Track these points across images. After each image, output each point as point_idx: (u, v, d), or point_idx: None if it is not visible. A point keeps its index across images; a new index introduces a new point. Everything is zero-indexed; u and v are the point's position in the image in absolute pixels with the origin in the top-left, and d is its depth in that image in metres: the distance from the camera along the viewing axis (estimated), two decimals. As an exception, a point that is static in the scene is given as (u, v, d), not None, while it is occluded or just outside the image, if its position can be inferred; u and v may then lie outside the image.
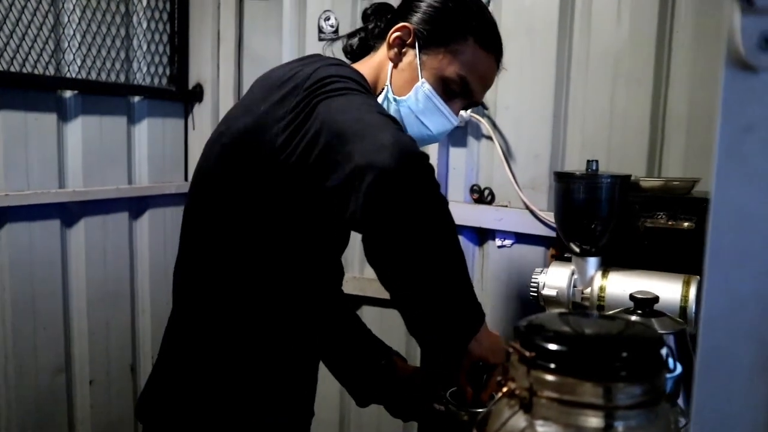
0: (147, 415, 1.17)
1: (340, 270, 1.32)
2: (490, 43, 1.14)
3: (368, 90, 1.06)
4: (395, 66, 1.15)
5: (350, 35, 1.27)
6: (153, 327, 2.32)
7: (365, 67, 1.17)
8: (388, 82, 1.15)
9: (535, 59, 1.81)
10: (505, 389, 0.54)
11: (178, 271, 1.20)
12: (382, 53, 1.17)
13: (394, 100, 1.15)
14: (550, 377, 0.52)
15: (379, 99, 1.15)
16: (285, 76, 1.04)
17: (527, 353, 0.52)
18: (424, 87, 1.12)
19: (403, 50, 1.14)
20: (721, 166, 0.34)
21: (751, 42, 0.32)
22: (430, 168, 0.93)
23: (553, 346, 0.52)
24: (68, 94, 1.98)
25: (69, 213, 2.02)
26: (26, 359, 1.92)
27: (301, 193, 1.02)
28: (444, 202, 0.96)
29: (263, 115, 1.02)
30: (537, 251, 1.83)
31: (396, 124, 0.96)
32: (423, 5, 1.15)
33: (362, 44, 1.24)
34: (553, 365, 0.52)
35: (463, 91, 1.15)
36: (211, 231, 1.11)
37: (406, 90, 1.13)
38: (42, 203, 1.91)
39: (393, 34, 1.14)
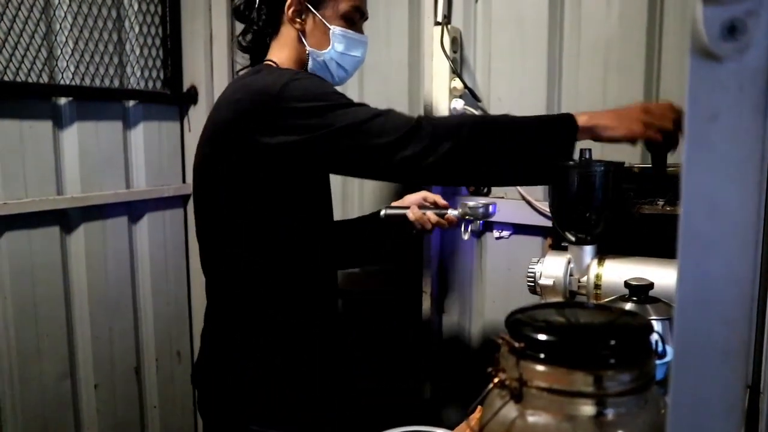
0: (200, 381, 1.45)
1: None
2: None
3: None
4: (305, 34, 1.39)
5: (241, 35, 1.48)
6: (156, 330, 2.33)
7: (282, 54, 1.41)
8: (309, 48, 1.40)
9: (526, 50, 1.81)
10: (495, 380, 0.55)
11: (202, 260, 1.45)
12: (285, 34, 1.41)
13: (321, 56, 1.40)
14: (539, 367, 0.53)
15: (310, 65, 1.42)
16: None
17: (516, 344, 0.53)
18: (335, 31, 1.39)
19: (303, 17, 1.38)
20: (690, 155, 0.35)
21: (713, 31, 0.33)
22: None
23: (541, 337, 0.53)
24: (63, 101, 1.98)
25: (68, 219, 2.03)
26: (30, 366, 1.94)
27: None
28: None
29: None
30: (535, 241, 1.84)
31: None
32: None
33: (256, 37, 1.44)
34: (542, 355, 0.52)
35: (359, 13, 1.44)
36: (215, 211, 1.35)
37: (325, 43, 1.40)
38: (41, 210, 1.92)
39: (289, 11, 1.37)
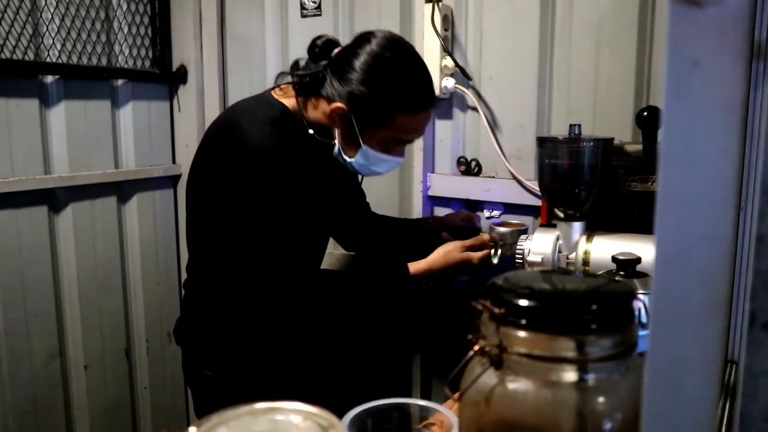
0: (183, 338, 1.53)
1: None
2: (419, 106, 1.31)
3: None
4: (340, 130, 1.33)
5: (301, 72, 1.37)
6: (146, 310, 2.32)
7: (318, 111, 1.34)
8: (337, 143, 1.35)
9: (518, 28, 1.79)
10: (476, 347, 0.54)
11: (188, 233, 1.48)
12: (322, 108, 1.33)
13: (346, 158, 1.36)
14: (520, 333, 0.52)
15: (335, 150, 1.37)
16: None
17: (496, 310, 0.52)
18: (367, 151, 1.32)
19: (342, 121, 1.30)
20: (670, 104, 0.34)
21: (693, -26, 0.32)
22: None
23: (522, 302, 0.52)
24: (50, 79, 1.96)
25: (56, 199, 2.01)
26: (20, 347, 1.93)
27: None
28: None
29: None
30: (525, 221, 1.83)
31: None
32: (354, 80, 1.27)
33: (313, 81, 1.34)
34: (522, 321, 0.52)
35: (402, 142, 1.37)
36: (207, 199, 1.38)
37: (353, 152, 1.34)
38: (28, 190, 1.90)
39: (332, 108, 1.29)
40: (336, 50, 1.32)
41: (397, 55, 1.29)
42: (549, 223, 1.36)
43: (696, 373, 0.34)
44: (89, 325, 2.13)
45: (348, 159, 1.36)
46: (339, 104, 1.28)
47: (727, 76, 0.33)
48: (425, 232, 1.68)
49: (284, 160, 1.28)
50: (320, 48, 1.33)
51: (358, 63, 1.26)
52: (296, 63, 1.40)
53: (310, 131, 1.34)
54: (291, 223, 1.31)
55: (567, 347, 0.51)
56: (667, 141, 0.34)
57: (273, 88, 1.43)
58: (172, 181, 2.43)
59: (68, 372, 2.09)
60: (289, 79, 1.42)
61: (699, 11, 0.32)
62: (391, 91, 1.27)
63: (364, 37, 1.30)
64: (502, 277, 0.58)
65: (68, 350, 2.09)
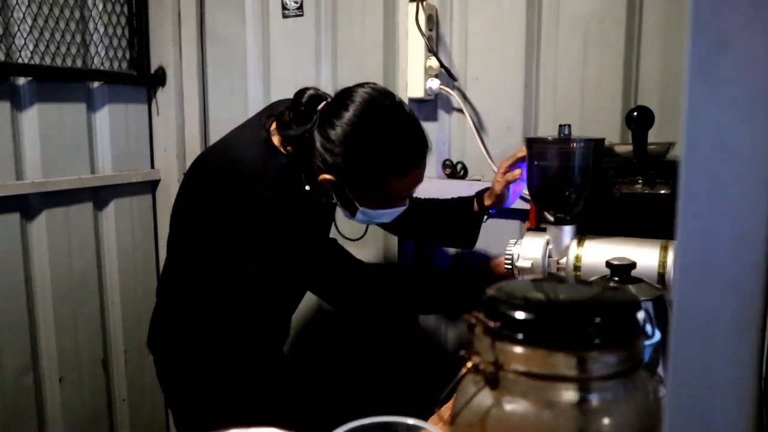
0: (156, 346, 1.50)
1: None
2: (411, 165, 1.24)
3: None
4: (335, 194, 1.28)
5: (288, 134, 1.27)
6: (124, 319, 2.25)
7: (312, 168, 1.25)
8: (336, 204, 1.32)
9: (504, 28, 1.75)
10: (469, 364, 0.50)
11: (169, 244, 1.45)
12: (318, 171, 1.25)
13: (347, 214, 1.32)
14: (517, 349, 0.47)
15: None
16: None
17: (492, 323, 0.48)
18: (365, 211, 1.28)
19: (335, 188, 1.25)
20: (694, 90, 0.29)
21: (723, -63, 0.27)
22: None
23: (519, 315, 0.47)
24: (21, 81, 1.89)
25: (29, 205, 1.94)
26: (-10, 359, 1.85)
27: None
28: None
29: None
30: (513, 225, 1.79)
31: None
32: (338, 153, 1.20)
33: (301, 142, 1.26)
34: (520, 336, 0.47)
35: (401, 198, 1.30)
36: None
37: (352, 212, 1.30)
38: (-1, 196, 1.83)
39: (321, 179, 1.23)
40: (321, 105, 1.26)
41: (377, 122, 1.21)
42: (538, 227, 1.32)
43: (728, 400, 0.30)
44: (64, 336, 2.05)
45: (348, 217, 1.33)
46: (327, 176, 1.23)
47: (760, 57, 0.28)
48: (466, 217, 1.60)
49: (286, 214, 1.24)
50: (305, 106, 1.26)
51: (338, 135, 1.19)
52: (282, 118, 1.30)
53: (307, 187, 1.27)
54: (281, 264, 1.29)
55: (568, 364, 0.46)
56: (690, 132, 0.29)
57: (271, 123, 1.32)
58: (150, 186, 2.36)
59: (42, 385, 2.01)
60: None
61: (727, -18, 0.28)
62: (376, 162, 1.21)
63: (344, 98, 1.23)
64: (496, 287, 0.53)
65: (42, 362, 2.01)
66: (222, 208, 1.25)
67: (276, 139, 1.28)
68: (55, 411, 2.04)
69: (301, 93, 1.28)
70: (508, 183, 1.43)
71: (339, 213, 1.40)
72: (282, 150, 1.27)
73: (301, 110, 1.26)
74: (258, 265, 1.29)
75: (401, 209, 1.33)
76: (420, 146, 1.25)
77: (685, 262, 0.31)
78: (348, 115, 1.20)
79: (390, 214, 1.33)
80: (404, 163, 1.23)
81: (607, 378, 0.46)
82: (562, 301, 0.51)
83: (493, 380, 0.48)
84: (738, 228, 0.29)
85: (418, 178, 1.29)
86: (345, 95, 1.23)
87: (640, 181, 1.26)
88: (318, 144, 1.22)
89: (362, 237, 1.48)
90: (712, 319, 0.30)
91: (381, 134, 1.21)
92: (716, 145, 0.29)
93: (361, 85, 1.25)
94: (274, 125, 1.30)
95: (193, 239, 1.35)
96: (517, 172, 1.39)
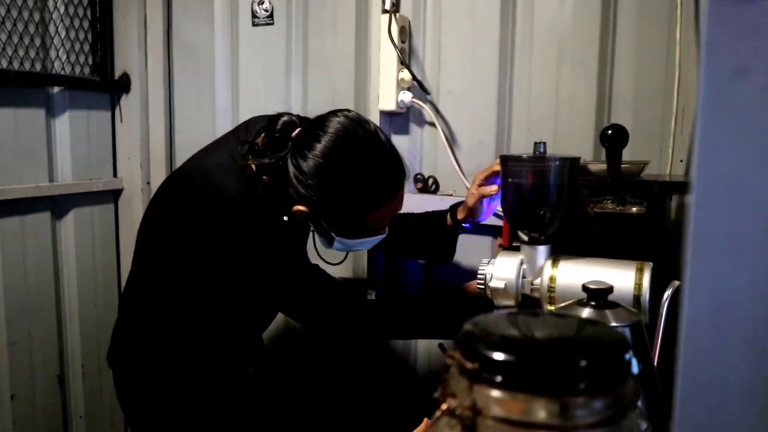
0: (117, 362, 1.44)
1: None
2: (386, 197, 1.20)
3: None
4: (311, 223, 1.25)
5: (261, 162, 1.23)
6: (82, 334, 2.17)
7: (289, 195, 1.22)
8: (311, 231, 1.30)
9: (478, 42, 1.74)
10: (444, 407, 0.46)
11: (135, 260, 1.41)
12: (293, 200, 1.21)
13: (324, 242, 1.29)
14: (496, 393, 0.43)
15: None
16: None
17: (469, 364, 0.44)
18: (341, 241, 1.25)
19: (311, 218, 1.22)
20: (706, 122, 0.26)
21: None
22: None
23: (498, 356, 0.44)
24: (-25, 84, 1.81)
25: (-19, 215, 1.86)
26: (-64, 376, 1.76)
27: None
28: None
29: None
30: (484, 241, 1.77)
31: None
32: (311, 186, 1.16)
33: (276, 170, 1.22)
34: (499, 378, 0.43)
35: (378, 228, 1.27)
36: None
37: (329, 241, 1.27)
38: (-52, 204, 1.75)
39: (295, 210, 1.20)
40: (295, 132, 1.21)
41: (350, 153, 1.17)
42: (511, 246, 1.29)
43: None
44: (17, 350, 1.96)
45: (325, 246, 1.30)
46: (301, 207, 1.20)
47: (782, 87, 0.25)
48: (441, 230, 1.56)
49: (265, 241, 1.20)
50: (279, 132, 1.22)
51: (310, 168, 1.15)
52: (255, 146, 1.26)
53: (285, 218, 1.23)
54: (259, 288, 1.27)
55: (551, 411, 0.42)
56: (702, 168, 0.26)
57: (246, 151, 1.26)
58: (113, 195, 2.28)
59: (-8, 403, 1.92)
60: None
61: (746, 5, 0.25)
62: (349, 194, 1.17)
63: (316, 128, 1.19)
64: (473, 322, 0.49)
65: (-8, 378, 1.92)
66: (200, 231, 1.21)
67: (254, 165, 1.23)
68: (6, 429, 1.95)
69: (275, 119, 1.24)
70: (483, 197, 1.40)
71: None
72: (261, 177, 1.23)
73: (276, 137, 1.22)
74: (235, 288, 1.26)
75: (380, 237, 1.29)
76: (395, 176, 1.21)
77: (694, 316, 0.27)
78: (319, 146, 1.15)
79: (368, 243, 1.30)
80: (379, 194, 1.19)
81: (593, 426, 0.43)
82: (544, 339, 0.48)
83: (470, 426, 0.44)
84: (753, 278, 0.26)
85: (396, 208, 1.25)
86: (317, 124, 1.19)
87: (613, 201, 1.24)
88: (291, 174, 1.18)
89: (342, 261, 1.44)
90: (724, 380, 0.27)
91: (353, 167, 1.16)
92: (730, 185, 0.26)
93: (334, 113, 1.20)
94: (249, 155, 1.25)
95: (165, 258, 1.30)
96: (493, 187, 1.36)
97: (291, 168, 1.18)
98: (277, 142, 1.21)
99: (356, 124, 1.18)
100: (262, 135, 1.25)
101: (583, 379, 0.43)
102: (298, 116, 1.27)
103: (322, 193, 1.16)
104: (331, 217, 1.21)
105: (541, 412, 0.42)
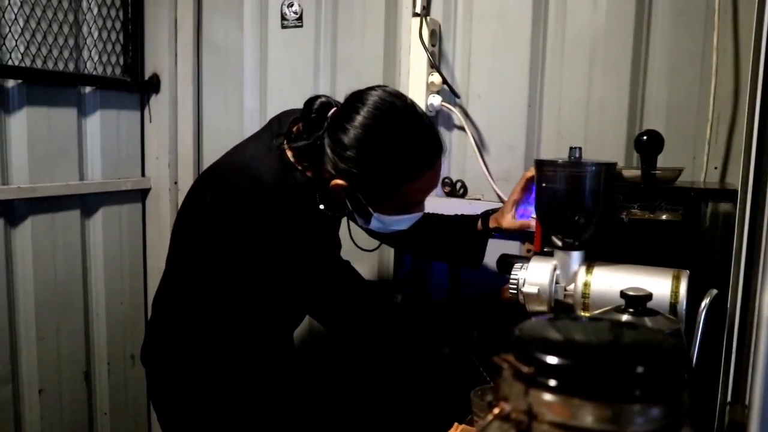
0: (150, 361, 1.44)
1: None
2: (424, 167, 1.20)
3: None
4: (348, 202, 1.23)
5: (299, 145, 1.23)
6: (108, 330, 2.19)
7: (325, 177, 1.22)
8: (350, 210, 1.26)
9: (508, 45, 1.73)
10: (496, 410, 0.45)
11: (170, 257, 1.40)
12: (331, 178, 1.21)
13: (361, 222, 1.29)
14: (552, 397, 0.43)
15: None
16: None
17: (525, 368, 0.43)
18: (380, 217, 1.24)
19: (348, 194, 1.21)
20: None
21: None
22: None
23: (554, 360, 0.43)
24: (11, 83, 1.84)
25: (14, 211, 1.88)
26: (-32, 370, 1.79)
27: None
28: None
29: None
30: (512, 246, 1.75)
31: None
32: (349, 158, 1.16)
33: (313, 151, 1.22)
34: (555, 383, 0.43)
35: (417, 202, 1.27)
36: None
37: (366, 219, 1.26)
38: (-17, 201, 1.78)
39: (333, 185, 1.19)
40: (332, 111, 1.22)
41: (389, 124, 1.17)
42: (542, 251, 1.28)
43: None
44: (46, 346, 1.99)
45: (363, 224, 1.29)
46: (340, 181, 1.19)
47: None
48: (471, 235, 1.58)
49: (300, 234, 1.21)
50: (316, 113, 1.22)
51: (350, 139, 1.16)
52: (290, 133, 1.25)
53: (321, 206, 1.23)
54: (292, 282, 1.26)
55: (605, 417, 0.42)
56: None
57: (282, 140, 1.26)
58: (141, 194, 2.31)
59: (20, 397, 1.95)
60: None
61: None
62: (388, 164, 1.17)
63: (354, 102, 1.19)
64: (521, 327, 0.49)
65: (21, 373, 1.94)
66: (237, 221, 1.21)
67: (290, 153, 1.24)
68: (34, 423, 1.97)
69: (312, 100, 1.24)
70: (521, 228, 1.45)
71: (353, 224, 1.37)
72: (297, 166, 1.23)
73: (312, 117, 1.22)
74: (270, 281, 1.25)
75: (418, 215, 1.29)
76: (433, 146, 1.21)
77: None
78: (359, 118, 1.16)
79: (406, 221, 1.28)
80: (417, 164, 1.19)
81: (651, 434, 0.42)
82: (601, 345, 0.47)
83: (525, 431, 0.43)
84: None
85: (433, 181, 1.25)
86: (356, 98, 1.20)
87: (647, 208, 1.23)
88: (329, 150, 1.18)
89: (376, 249, 1.45)
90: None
91: (393, 136, 1.17)
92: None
93: (372, 88, 1.21)
94: (285, 142, 1.25)
95: (201, 253, 1.30)
96: (532, 222, 1.37)
97: (329, 143, 1.18)
98: (313, 123, 1.22)
99: (394, 97, 1.20)
100: (298, 123, 1.26)
101: (638, 386, 0.42)
102: (332, 98, 1.27)
103: (362, 163, 1.16)
104: (369, 189, 1.20)
105: (596, 418, 0.42)
